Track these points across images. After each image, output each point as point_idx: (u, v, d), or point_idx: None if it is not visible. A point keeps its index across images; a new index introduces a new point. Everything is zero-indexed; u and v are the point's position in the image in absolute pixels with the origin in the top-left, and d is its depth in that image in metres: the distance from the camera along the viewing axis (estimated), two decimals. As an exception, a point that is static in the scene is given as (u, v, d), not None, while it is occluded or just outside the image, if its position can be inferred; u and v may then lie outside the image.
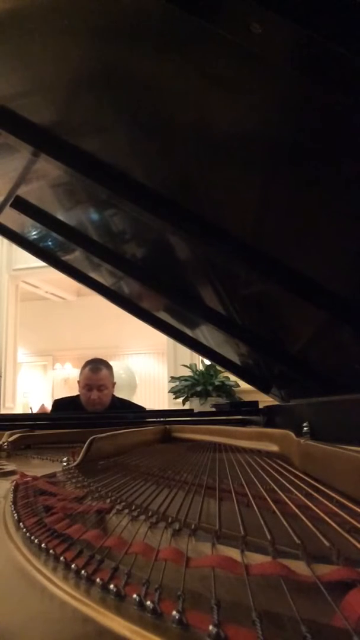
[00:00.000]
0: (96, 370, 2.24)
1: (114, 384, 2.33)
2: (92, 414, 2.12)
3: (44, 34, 0.66)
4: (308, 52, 0.45)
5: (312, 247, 0.79)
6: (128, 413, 1.96)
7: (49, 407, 3.44)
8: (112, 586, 0.30)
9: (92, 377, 2.23)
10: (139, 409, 2.40)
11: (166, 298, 1.48)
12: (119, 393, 2.55)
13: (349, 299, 0.79)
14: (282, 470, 0.67)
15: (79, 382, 2.31)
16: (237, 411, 1.72)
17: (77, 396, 2.35)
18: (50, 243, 1.58)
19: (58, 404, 2.46)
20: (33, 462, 1.14)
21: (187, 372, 3.92)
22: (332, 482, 0.56)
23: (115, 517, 0.46)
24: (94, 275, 1.63)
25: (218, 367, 3.43)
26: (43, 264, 1.67)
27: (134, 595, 0.28)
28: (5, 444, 1.25)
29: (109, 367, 2.31)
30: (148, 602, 0.27)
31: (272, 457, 0.83)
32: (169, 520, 0.43)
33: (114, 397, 2.35)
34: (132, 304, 1.66)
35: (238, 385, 3.60)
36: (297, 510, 0.44)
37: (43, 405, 8.32)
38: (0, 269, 5.95)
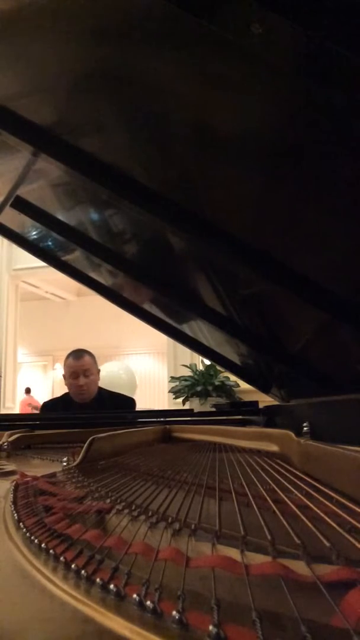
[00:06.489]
0: (79, 357, 2.25)
1: (98, 371, 2.33)
2: (92, 414, 2.12)
3: (44, 34, 0.66)
4: (308, 52, 0.45)
5: (311, 247, 0.79)
6: (128, 413, 1.96)
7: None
8: (112, 586, 0.30)
9: (76, 363, 2.23)
10: (129, 401, 2.39)
11: (166, 298, 1.48)
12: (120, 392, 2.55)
13: (349, 299, 0.79)
14: (282, 470, 0.67)
15: (64, 376, 2.30)
16: (237, 411, 1.72)
17: (65, 394, 2.35)
18: (50, 243, 1.58)
19: (46, 406, 2.45)
20: (33, 462, 1.14)
21: (187, 372, 3.92)
22: (332, 482, 0.56)
23: (115, 517, 0.46)
24: (94, 275, 1.63)
25: (218, 367, 3.43)
26: (43, 264, 1.67)
27: (134, 595, 0.28)
28: (5, 444, 1.25)
29: (92, 355, 2.31)
30: (148, 602, 0.27)
31: (272, 457, 0.83)
32: (169, 520, 0.43)
33: (102, 389, 2.34)
34: (132, 304, 1.66)
35: (238, 385, 3.61)
36: (297, 510, 0.44)
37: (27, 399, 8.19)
38: (0, 269, 5.95)
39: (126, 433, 1.13)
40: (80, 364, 2.23)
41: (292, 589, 0.27)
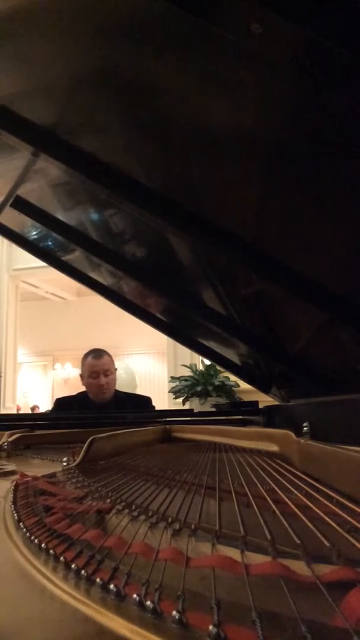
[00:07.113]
0: (99, 356, 2.28)
1: (115, 369, 2.35)
2: (91, 414, 2.12)
3: (44, 34, 0.66)
4: (308, 52, 0.45)
5: (312, 247, 0.79)
6: (128, 413, 1.96)
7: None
8: (112, 586, 0.29)
9: (97, 363, 2.26)
10: (145, 400, 2.40)
11: (166, 298, 1.48)
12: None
13: (349, 299, 0.79)
14: (282, 470, 0.67)
15: (81, 375, 2.32)
16: (237, 411, 1.72)
17: (80, 394, 2.36)
18: (50, 243, 1.58)
19: (60, 403, 2.46)
20: (33, 462, 1.14)
21: (187, 372, 3.92)
22: (332, 482, 0.56)
23: (115, 517, 0.46)
24: (94, 275, 1.63)
25: (218, 367, 3.43)
26: (43, 264, 1.67)
27: (134, 595, 0.28)
28: (5, 444, 1.25)
29: (109, 355, 2.34)
30: (148, 602, 0.27)
31: (272, 457, 0.83)
32: (169, 520, 0.43)
33: (117, 391, 2.35)
34: (132, 303, 1.66)
35: (238, 385, 3.60)
36: (297, 510, 0.44)
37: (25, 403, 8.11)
38: (0, 269, 5.94)
39: (126, 433, 1.13)
40: (100, 363, 2.26)
41: (292, 589, 0.27)
